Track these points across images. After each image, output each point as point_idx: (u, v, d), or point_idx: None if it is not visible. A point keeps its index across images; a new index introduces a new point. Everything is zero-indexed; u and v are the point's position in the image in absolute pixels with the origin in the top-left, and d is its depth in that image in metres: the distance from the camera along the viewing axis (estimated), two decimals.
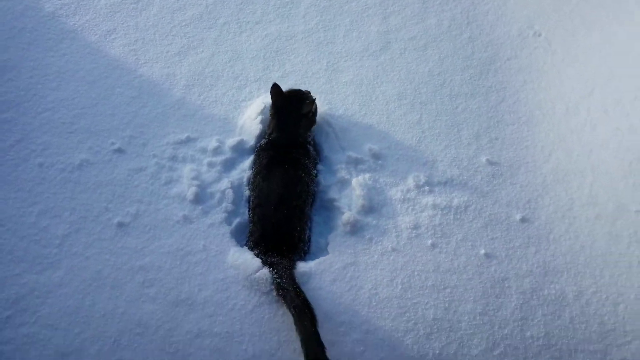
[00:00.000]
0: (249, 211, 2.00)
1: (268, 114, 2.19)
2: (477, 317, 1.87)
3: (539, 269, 2.00)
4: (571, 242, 2.07)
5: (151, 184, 2.02)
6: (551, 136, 2.37)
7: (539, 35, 2.75)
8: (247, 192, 2.05)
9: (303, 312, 1.67)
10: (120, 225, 1.91)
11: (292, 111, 2.09)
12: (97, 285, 1.78)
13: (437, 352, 1.79)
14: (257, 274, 1.82)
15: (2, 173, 1.94)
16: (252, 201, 1.96)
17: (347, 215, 2.02)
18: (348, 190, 2.12)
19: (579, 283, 1.97)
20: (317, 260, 1.94)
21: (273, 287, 1.80)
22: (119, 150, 2.08)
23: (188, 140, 2.14)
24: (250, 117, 2.22)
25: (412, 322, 1.84)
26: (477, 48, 2.69)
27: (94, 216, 1.92)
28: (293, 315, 1.69)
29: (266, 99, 2.29)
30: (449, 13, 2.81)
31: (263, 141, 2.13)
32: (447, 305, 1.88)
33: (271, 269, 1.81)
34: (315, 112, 2.18)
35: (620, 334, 1.87)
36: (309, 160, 2.09)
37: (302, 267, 1.88)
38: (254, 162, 2.08)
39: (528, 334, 1.85)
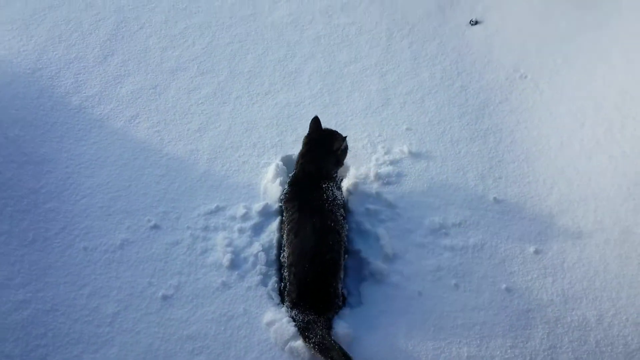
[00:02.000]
0: (282, 269, 2.12)
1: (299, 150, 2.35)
2: (509, 351, 1.99)
3: (559, 297, 2.13)
4: (585, 268, 2.21)
5: (188, 255, 2.16)
6: (550, 169, 2.55)
7: (525, 77, 2.97)
8: (276, 251, 2.20)
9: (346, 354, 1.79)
10: (165, 297, 2.04)
11: (323, 145, 2.27)
12: (150, 359, 1.89)
13: None
14: (294, 343, 1.92)
15: (51, 260, 2.08)
16: (287, 258, 2.07)
17: (374, 265, 2.16)
18: (371, 240, 2.26)
19: (599, 307, 2.10)
20: (352, 312, 2.07)
21: (312, 347, 1.89)
22: (155, 227, 2.23)
23: (217, 209, 2.30)
24: (269, 181, 2.38)
25: None
26: (469, 95, 2.90)
27: (139, 292, 2.05)
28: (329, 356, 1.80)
29: (279, 162, 2.47)
30: (439, 66, 3.04)
31: (291, 174, 2.29)
32: (478, 342, 2.00)
33: (308, 332, 1.91)
34: (344, 152, 2.34)
35: None
36: (339, 192, 2.24)
37: (340, 326, 2.00)
38: (285, 211, 2.20)
39: None
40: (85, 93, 2.70)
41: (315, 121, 2.32)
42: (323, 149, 2.26)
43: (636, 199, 2.38)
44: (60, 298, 1.99)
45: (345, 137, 2.33)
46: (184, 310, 2.02)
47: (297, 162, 2.32)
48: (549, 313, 2.11)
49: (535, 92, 2.89)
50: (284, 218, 2.21)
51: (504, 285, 2.18)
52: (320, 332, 1.90)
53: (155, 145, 2.52)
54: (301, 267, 2.02)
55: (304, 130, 2.53)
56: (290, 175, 2.33)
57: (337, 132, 2.34)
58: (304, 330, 1.93)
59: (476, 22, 3.28)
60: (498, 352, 2.00)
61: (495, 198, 2.45)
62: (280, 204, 2.27)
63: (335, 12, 3.32)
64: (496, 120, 2.79)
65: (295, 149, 2.52)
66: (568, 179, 2.51)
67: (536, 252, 2.28)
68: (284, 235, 2.14)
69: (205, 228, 2.24)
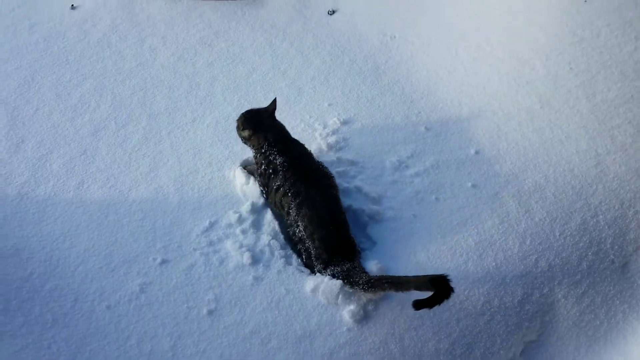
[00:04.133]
0: (299, 243, 2.27)
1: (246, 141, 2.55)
2: (500, 227, 2.41)
3: (510, 175, 2.63)
4: (516, 149, 2.72)
5: (210, 271, 2.21)
6: (451, 92, 3.04)
7: (394, 37, 3.48)
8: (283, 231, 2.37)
9: (399, 278, 2.02)
10: (210, 312, 2.08)
11: (264, 115, 2.52)
12: None
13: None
14: (345, 290, 2.11)
15: (81, 330, 1.99)
16: (305, 229, 2.23)
17: (368, 210, 2.44)
18: (353, 194, 2.52)
19: (541, 170, 2.63)
20: (372, 252, 2.31)
21: (361, 288, 2.08)
22: (164, 262, 2.24)
23: (211, 225, 2.37)
24: (244, 183, 2.52)
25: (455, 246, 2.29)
26: (360, 64, 3.32)
27: (184, 319, 2.06)
28: (397, 285, 2.01)
29: (240, 167, 2.63)
30: (324, 52, 3.43)
31: (262, 154, 2.44)
32: (476, 230, 2.39)
33: (352, 277, 2.10)
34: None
35: None
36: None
37: (370, 264, 2.22)
38: (283, 179, 2.34)
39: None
40: (17, 181, 2.56)
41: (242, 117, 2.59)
42: (268, 119, 2.54)
43: (518, 80, 2.93)
44: (112, 357, 1.92)
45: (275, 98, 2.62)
46: (234, 314, 2.08)
47: (260, 147, 2.48)
48: (510, 189, 2.55)
49: (407, 44, 3.41)
50: (276, 183, 2.35)
51: (469, 184, 2.58)
52: (363, 274, 2.10)
53: (118, 198, 2.50)
54: (324, 230, 2.20)
55: (240, 149, 2.71)
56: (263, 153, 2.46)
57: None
58: (348, 278, 2.11)
59: (333, 12, 3.74)
60: (494, 231, 2.39)
61: (425, 127, 2.87)
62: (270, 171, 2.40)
63: (212, 40, 3.54)
64: (391, 74, 3.24)
65: (246, 154, 2.69)
66: (467, 93, 3.02)
67: (476, 152, 2.73)
68: (291, 210, 2.28)
69: (210, 243, 2.31)
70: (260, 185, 2.47)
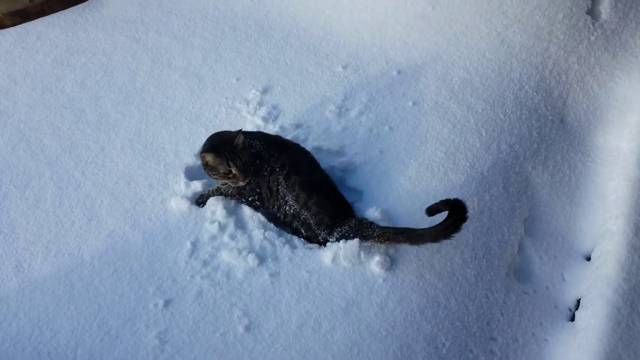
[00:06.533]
0: (293, 220, 2.14)
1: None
2: (458, 124, 2.47)
3: (437, 84, 2.68)
4: (424, 70, 2.79)
5: (220, 290, 2.02)
6: (365, 46, 3.01)
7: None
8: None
9: (415, 231, 2.00)
10: (247, 328, 1.93)
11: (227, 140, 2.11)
12: None
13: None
14: (365, 246, 2.06)
15: None
16: (297, 200, 2.08)
17: (339, 163, 2.38)
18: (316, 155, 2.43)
19: (464, 67, 2.73)
20: (362, 202, 2.27)
21: (378, 240, 2.05)
22: (167, 303, 1.99)
23: (194, 245, 2.15)
24: (186, 204, 2.27)
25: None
26: (250, 42, 3.13)
27: (225, 346, 1.89)
28: (412, 239, 2.00)
29: (185, 181, 2.38)
30: (199, 39, 3.16)
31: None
32: (434, 140, 2.45)
33: (365, 230, 2.05)
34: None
35: None
36: None
37: (370, 211, 2.18)
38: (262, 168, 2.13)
39: None
40: None
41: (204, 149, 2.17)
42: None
43: (409, 22, 2.98)
44: None
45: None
46: (272, 318, 1.95)
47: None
48: (444, 93, 2.66)
49: (287, 10, 3.24)
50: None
51: (410, 103, 2.63)
52: (372, 225, 2.06)
53: (72, 263, 2.13)
54: (318, 195, 2.09)
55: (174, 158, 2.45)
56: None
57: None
58: (360, 232, 2.06)
59: None
60: (453, 136, 2.49)
61: (341, 66, 2.84)
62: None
63: (69, 59, 3.06)
64: (279, 29, 3.09)
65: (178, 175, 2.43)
66: (361, 19, 3.01)
67: (398, 72, 2.79)
68: (280, 185, 2.12)
69: (205, 263, 2.10)
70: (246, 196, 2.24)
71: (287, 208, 2.13)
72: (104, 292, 2.03)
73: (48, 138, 2.65)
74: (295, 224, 2.15)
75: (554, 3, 2.80)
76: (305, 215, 2.10)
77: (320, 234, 2.12)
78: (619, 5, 2.89)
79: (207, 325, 1.93)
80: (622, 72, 2.82)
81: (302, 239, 2.16)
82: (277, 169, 2.12)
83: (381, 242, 2.05)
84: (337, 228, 2.09)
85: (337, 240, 2.09)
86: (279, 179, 2.12)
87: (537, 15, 2.81)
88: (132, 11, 3.34)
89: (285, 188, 2.11)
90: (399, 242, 2.04)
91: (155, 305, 1.99)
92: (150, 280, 2.06)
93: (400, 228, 2.05)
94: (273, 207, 2.17)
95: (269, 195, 2.16)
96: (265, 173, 2.13)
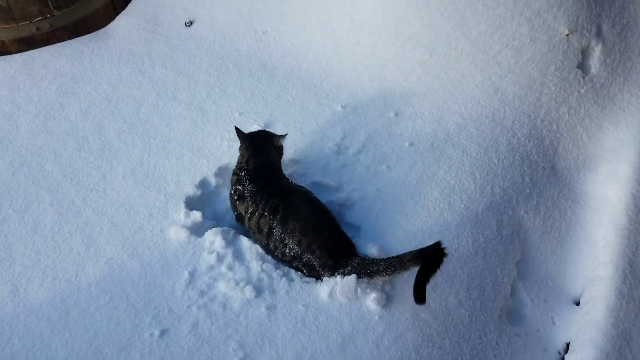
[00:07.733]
0: (293, 261, 2.17)
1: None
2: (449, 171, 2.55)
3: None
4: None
5: (217, 321, 2.02)
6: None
7: (266, 31, 3.43)
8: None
9: (413, 253, 2.04)
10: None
11: (263, 143, 2.38)
12: None
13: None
14: (364, 282, 2.09)
15: None
16: (299, 244, 2.12)
17: (336, 198, 2.43)
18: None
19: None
20: (363, 237, 2.31)
21: (383, 273, 2.06)
22: (163, 333, 1.99)
23: (191, 275, 2.16)
24: (185, 234, 2.30)
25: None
26: (249, 67, 3.23)
27: None
28: (416, 259, 2.03)
29: (185, 210, 2.42)
30: (198, 64, 3.26)
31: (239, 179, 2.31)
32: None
33: (364, 268, 2.08)
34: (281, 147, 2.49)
35: None
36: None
37: (371, 247, 2.23)
38: (251, 203, 2.23)
39: None
40: None
41: (237, 129, 2.46)
42: (265, 144, 2.38)
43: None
44: None
45: (286, 134, 2.50)
46: (268, 352, 1.95)
47: (242, 159, 2.33)
48: (440, 136, 2.74)
49: (282, 35, 3.39)
50: (248, 210, 2.23)
51: (406, 144, 2.71)
52: (375, 260, 2.09)
53: (69, 289, 2.14)
54: (321, 237, 2.12)
55: (175, 188, 2.50)
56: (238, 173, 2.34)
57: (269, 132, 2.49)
58: (364, 270, 2.08)
59: (191, 23, 3.55)
60: (448, 177, 2.56)
61: (341, 106, 2.92)
62: (235, 197, 2.29)
63: (73, 87, 3.14)
64: (282, 67, 3.19)
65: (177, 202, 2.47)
66: (360, 63, 3.12)
67: (396, 114, 2.87)
68: (274, 230, 2.17)
69: (202, 294, 2.10)
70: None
71: (287, 250, 2.15)
72: (99, 320, 2.03)
73: (49, 164, 2.68)
74: (295, 263, 2.18)
75: (546, 56, 2.94)
76: (307, 258, 2.13)
77: (323, 274, 2.14)
78: (607, 60, 3.04)
79: (202, 357, 1.93)
80: (610, 124, 2.94)
81: (299, 273, 2.18)
82: (266, 213, 2.18)
83: (389, 275, 2.06)
84: (340, 269, 2.11)
85: (342, 274, 2.11)
86: (273, 224, 2.16)
87: (530, 67, 2.94)
88: (138, 45, 3.43)
89: (282, 233, 2.14)
90: (406, 268, 2.03)
91: (151, 334, 1.98)
92: (146, 309, 2.06)
93: (402, 254, 2.05)
94: (267, 245, 2.21)
95: (255, 231, 2.22)
96: (250, 209, 2.22)
